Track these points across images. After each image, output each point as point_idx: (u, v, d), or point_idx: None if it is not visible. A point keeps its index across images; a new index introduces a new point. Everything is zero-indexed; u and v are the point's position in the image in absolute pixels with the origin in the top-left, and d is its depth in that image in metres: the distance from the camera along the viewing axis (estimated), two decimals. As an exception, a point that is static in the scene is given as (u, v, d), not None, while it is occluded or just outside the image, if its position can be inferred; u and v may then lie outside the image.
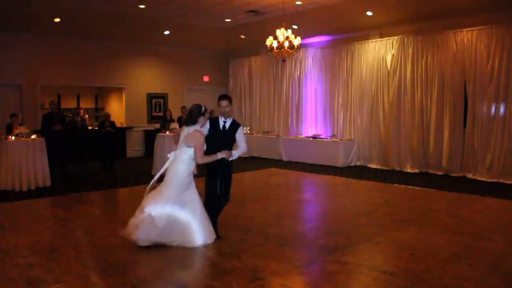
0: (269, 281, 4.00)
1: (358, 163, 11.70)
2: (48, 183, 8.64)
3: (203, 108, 4.99)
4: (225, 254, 4.71)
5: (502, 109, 9.10)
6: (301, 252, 4.86)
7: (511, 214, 6.75)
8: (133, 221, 4.88)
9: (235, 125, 5.26)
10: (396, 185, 8.85)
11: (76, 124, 10.68)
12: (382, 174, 10.19)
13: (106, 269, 4.27)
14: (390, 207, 7.01)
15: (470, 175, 9.56)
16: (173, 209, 4.81)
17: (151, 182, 5.11)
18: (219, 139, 5.17)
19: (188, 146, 4.86)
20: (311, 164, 11.79)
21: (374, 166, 11.27)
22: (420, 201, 7.53)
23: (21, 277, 4.09)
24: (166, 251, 4.87)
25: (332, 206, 7.33)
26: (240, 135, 5.25)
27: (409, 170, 10.48)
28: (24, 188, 8.23)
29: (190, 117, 4.94)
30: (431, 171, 10.23)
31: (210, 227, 4.99)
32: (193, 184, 5.01)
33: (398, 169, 10.72)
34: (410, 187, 8.63)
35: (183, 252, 4.88)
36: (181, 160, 4.90)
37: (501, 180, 9.04)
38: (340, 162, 11.43)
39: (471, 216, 6.48)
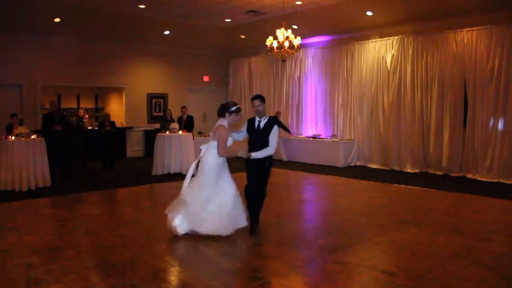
0: (269, 281, 4.00)
1: (358, 163, 11.70)
2: (48, 183, 8.64)
3: (233, 108, 5.19)
4: (225, 254, 4.71)
5: (502, 109, 9.09)
6: (301, 252, 4.86)
7: (511, 214, 6.75)
8: (170, 207, 5.27)
9: (270, 125, 5.27)
10: (396, 185, 8.85)
11: (71, 124, 10.65)
12: (382, 174, 10.19)
13: (106, 269, 4.27)
14: (390, 207, 7.01)
15: (470, 175, 9.56)
16: (206, 198, 5.08)
17: (188, 174, 5.36)
18: (255, 138, 5.30)
19: (214, 139, 5.14)
20: (311, 164, 11.79)
21: (374, 166, 11.27)
22: (420, 201, 7.53)
23: (21, 277, 4.09)
24: (165, 251, 4.88)
25: (332, 206, 7.33)
26: (272, 135, 5.25)
27: (409, 170, 10.49)
28: (24, 188, 8.23)
29: (221, 109, 5.26)
30: (431, 171, 10.23)
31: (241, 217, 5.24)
32: (226, 174, 5.25)
33: (398, 169, 10.72)
34: (410, 187, 8.63)
35: (183, 252, 4.90)
36: (210, 152, 5.17)
37: (501, 180, 9.04)
38: (340, 162, 11.44)
39: (471, 216, 6.47)
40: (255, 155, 5.17)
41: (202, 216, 5.08)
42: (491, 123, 9.25)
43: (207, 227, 5.07)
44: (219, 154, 5.11)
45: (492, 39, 9.16)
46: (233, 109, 5.19)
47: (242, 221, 5.29)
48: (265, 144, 5.24)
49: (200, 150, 5.37)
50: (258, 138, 5.29)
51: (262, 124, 5.30)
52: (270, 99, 14.05)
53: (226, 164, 5.33)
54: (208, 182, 5.14)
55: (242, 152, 5.18)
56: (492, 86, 9.19)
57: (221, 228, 5.07)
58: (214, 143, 5.17)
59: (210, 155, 5.17)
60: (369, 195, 8.16)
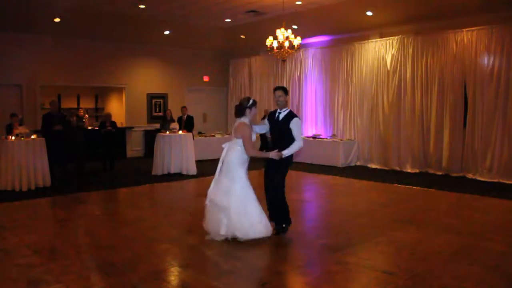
0: (269, 281, 4.00)
1: (358, 163, 11.70)
2: (48, 183, 8.64)
3: (250, 101, 5.08)
4: (225, 254, 4.71)
5: (502, 109, 9.09)
6: (301, 252, 4.86)
7: (511, 214, 6.75)
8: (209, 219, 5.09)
9: (289, 117, 5.13)
10: (396, 185, 8.85)
11: (70, 124, 10.65)
12: (382, 174, 10.19)
13: (106, 269, 4.26)
14: (390, 207, 7.00)
15: (470, 175, 9.56)
16: (226, 199, 4.93)
17: (216, 174, 5.18)
18: (274, 130, 5.22)
19: (237, 138, 5.01)
20: (311, 164, 11.78)
21: (374, 166, 11.27)
22: (420, 201, 7.53)
23: (21, 277, 4.09)
24: (165, 251, 4.88)
25: (332, 206, 7.33)
26: (295, 128, 5.08)
27: (409, 170, 10.48)
28: (24, 188, 8.22)
29: (239, 109, 5.11)
30: (431, 171, 10.23)
31: (260, 222, 4.98)
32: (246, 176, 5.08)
33: (398, 169, 10.72)
34: (410, 187, 8.62)
35: (183, 252, 4.89)
36: (234, 150, 5.03)
37: (501, 180, 9.04)
38: (340, 162, 11.43)
39: (471, 216, 6.47)
40: (286, 153, 5.03)
41: (245, 222, 4.89)
42: (491, 123, 9.24)
43: (254, 233, 4.93)
44: (248, 153, 4.98)
45: (492, 39, 9.16)
46: (250, 103, 5.08)
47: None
48: (283, 137, 5.13)
49: (222, 149, 5.21)
50: (276, 130, 5.21)
51: (281, 116, 5.20)
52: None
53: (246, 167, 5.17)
54: (230, 183, 4.98)
55: (273, 153, 5.01)
56: (492, 86, 9.19)
57: (265, 229, 5.00)
58: (236, 141, 5.03)
59: (234, 153, 5.01)
60: (369, 195, 8.16)
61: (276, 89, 5.29)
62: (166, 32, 12.79)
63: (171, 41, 13.57)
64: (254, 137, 5.11)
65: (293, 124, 5.10)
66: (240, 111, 5.09)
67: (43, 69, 11.96)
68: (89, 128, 12.18)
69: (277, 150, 5.05)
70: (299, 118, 5.21)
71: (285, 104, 5.25)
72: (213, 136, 13.33)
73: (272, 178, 5.20)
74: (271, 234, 5.13)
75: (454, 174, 9.81)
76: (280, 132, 5.17)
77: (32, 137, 8.60)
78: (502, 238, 5.30)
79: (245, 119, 5.07)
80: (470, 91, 9.53)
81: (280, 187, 5.23)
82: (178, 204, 7.58)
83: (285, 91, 5.27)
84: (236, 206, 4.90)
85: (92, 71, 12.83)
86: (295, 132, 5.10)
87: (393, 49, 10.80)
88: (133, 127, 13.70)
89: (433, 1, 9.47)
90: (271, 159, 5.08)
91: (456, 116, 9.78)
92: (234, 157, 5.01)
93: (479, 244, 5.01)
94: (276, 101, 5.29)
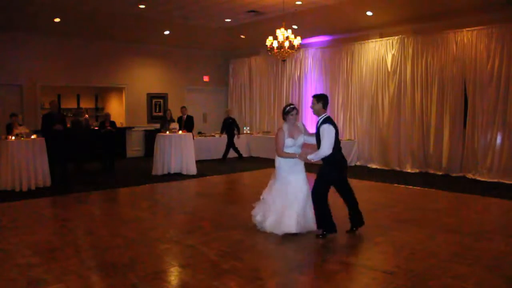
0: (269, 281, 4.00)
1: (358, 163, 11.69)
2: (48, 183, 8.64)
3: (286, 109, 5.36)
4: (225, 254, 4.71)
5: (502, 109, 9.09)
6: (301, 252, 4.86)
7: (511, 214, 6.75)
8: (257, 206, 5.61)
9: (321, 124, 5.05)
10: (396, 185, 8.85)
11: (80, 124, 10.66)
12: (382, 174, 10.19)
13: (106, 269, 4.27)
14: (390, 207, 7.01)
15: (470, 175, 9.56)
16: (271, 197, 5.36)
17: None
18: (316, 137, 5.24)
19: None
20: (311, 164, 11.76)
21: (374, 166, 11.27)
22: (420, 201, 7.53)
23: (21, 277, 4.09)
24: (165, 251, 4.88)
25: (332, 206, 7.29)
26: (322, 134, 4.99)
27: (409, 170, 10.48)
28: (24, 188, 8.22)
29: (282, 115, 5.47)
30: (431, 171, 10.23)
31: (297, 220, 5.17)
32: (300, 177, 5.34)
33: (398, 169, 10.72)
34: (410, 187, 8.62)
35: (183, 252, 4.89)
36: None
37: (501, 180, 9.03)
38: (340, 162, 11.41)
39: (471, 216, 6.48)
40: (311, 157, 5.09)
41: (280, 220, 5.22)
42: (491, 123, 9.24)
43: (283, 229, 5.20)
44: (277, 154, 5.33)
45: (492, 39, 9.16)
46: (286, 109, 5.34)
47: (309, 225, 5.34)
48: (318, 143, 5.14)
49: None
50: (316, 136, 5.22)
51: (318, 124, 5.14)
52: (270, 99, 14.06)
53: (300, 167, 5.37)
54: (281, 183, 5.33)
55: (299, 155, 5.24)
56: (492, 86, 9.19)
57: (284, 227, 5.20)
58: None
59: (277, 156, 5.39)
60: (369, 195, 8.15)
61: (312, 96, 5.33)
62: (166, 32, 12.79)
63: (171, 41, 13.57)
64: (291, 143, 5.28)
65: (322, 130, 5.03)
66: (283, 117, 5.44)
67: (43, 69, 11.97)
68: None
69: (305, 152, 5.20)
70: (330, 124, 5.00)
71: (319, 112, 5.16)
72: (213, 136, 13.33)
73: (314, 187, 5.30)
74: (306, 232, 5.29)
75: (454, 174, 9.81)
76: (317, 139, 5.18)
77: (32, 137, 8.60)
78: (502, 238, 5.30)
79: (285, 124, 5.37)
80: (470, 91, 9.53)
81: (317, 193, 5.25)
82: (178, 204, 7.58)
83: (317, 98, 5.17)
84: (278, 203, 5.25)
85: (92, 71, 12.84)
86: (323, 139, 5.00)
87: (393, 49, 10.80)
88: (133, 127, 13.70)
89: (433, 1, 9.47)
90: (322, 165, 5.28)
91: (456, 116, 9.78)
92: (277, 159, 5.38)
93: (479, 244, 5.01)
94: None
